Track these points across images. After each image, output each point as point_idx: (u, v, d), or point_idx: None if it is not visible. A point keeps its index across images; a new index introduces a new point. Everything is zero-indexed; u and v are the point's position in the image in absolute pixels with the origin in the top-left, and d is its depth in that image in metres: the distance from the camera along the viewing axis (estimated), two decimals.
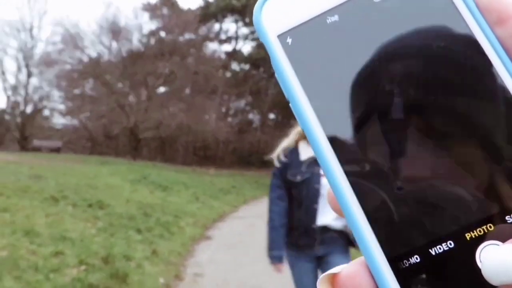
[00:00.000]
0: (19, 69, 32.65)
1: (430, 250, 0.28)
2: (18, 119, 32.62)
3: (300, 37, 0.33)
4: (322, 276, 0.31)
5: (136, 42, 33.08)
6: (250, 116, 36.97)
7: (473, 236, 0.28)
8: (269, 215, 2.93)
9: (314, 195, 2.81)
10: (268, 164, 3.00)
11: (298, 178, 2.83)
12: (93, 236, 6.35)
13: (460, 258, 0.28)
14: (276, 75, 0.34)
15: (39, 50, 45.16)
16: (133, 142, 28.77)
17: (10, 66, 63.23)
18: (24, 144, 30.98)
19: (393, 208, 0.30)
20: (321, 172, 2.69)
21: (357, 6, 0.33)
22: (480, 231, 0.28)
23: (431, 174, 0.30)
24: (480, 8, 0.31)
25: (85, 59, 32.01)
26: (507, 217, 0.28)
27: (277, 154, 2.92)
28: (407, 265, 0.28)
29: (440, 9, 0.32)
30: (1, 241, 5.17)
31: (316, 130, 0.32)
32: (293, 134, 2.92)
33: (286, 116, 28.11)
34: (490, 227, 0.28)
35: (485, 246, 0.27)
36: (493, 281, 0.26)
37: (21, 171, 10.56)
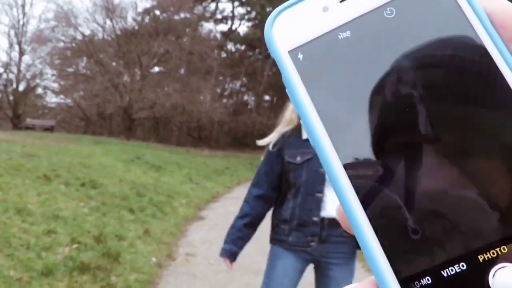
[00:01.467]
0: (11, 46, 32.28)
1: (442, 271, 0.28)
2: (11, 97, 32.32)
3: (311, 53, 0.33)
4: None
5: (130, 20, 32.69)
6: (245, 97, 36.88)
7: (486, 259, 0.27)
8: (243, 209, 2.60)
9: (316, 181, 2.39)
10: (263, 146, 2.68)
11: (298, 159, 2.41)
12: (85, 215, 6.35)
13: (472, 280, 0.27)
14: (287, 90, 0.34)
15: (31, 27, 44.56)
16: (127, 122, 28.63)
17: (2, 43, 62.41)
18: (16, 123, 30.77)
19: (405, 228, 0.29)
20: None
21: (369, 21, 0.33)
22: (493, 253, 0.27)
23: (445, 195, 0.29)
24: (495, 25, 0.31)
25: (79, 37, 31.62)
26: None
27: (273, 139, 2.53)
28: (418, 286, 0.28)
29: (454, 25, 0.31)
30: None
31: (327, 148, 0.31)
32: (290, 112, 2.52)
33: (281, 97, 28.04)
34: (504, 249, 0.27)
35: (498, 269, 0.27)
36: None
37: (13, 149, 10.48)
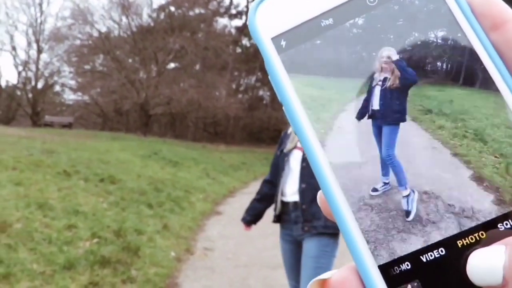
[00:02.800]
0: (29, 44, 32.71)
1: (421, 257, 0.29)
2: (30, 95, 32.82)
3: (294, 40, 0.33)
4: (312, 282, 0.31)
5: (146, 17, 32.87)
6: (261, 92, 36.81)
7: (465, 244, 0.28)
8: (258, 190, 3.28)
9: (283, 167, 2.90)
10: (278, 140, 3.16)
11: (278, 151, 3.01)
12: (105, 210, 6.44)
13: (451, 265, 0.28)
14: (269, 77, 0.34)
15: (49, 25, 45.12)
16: (144, 118, 28.85)
17: (21, 41, 63.37)
18: (36, 120, 31.26)
19: (379, 209, 0.30)
20: (299, 144, 2.77)
21: (352, 9, 0.33)
22: (472, 239, 0.28)
23: (424, 180, 0.30)
24: (475, 13, 0.31)
25: (95, 34, 31.92)
26: (499, 225, 0.28)
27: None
28: (398, 271, 0.29)
29: (435, 13, 0.32)
30: (15, 213, 5.26)
31: (308, 133, 0.32)
32: None
33: None
34: (482, 234, 0.28)
35: (475, 250, 0.27)
36: (478, 283, 0.26)
37: (33, 146, 10.67)
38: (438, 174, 0.30)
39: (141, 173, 9.96)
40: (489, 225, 0.28)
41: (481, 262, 0.26)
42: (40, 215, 5.47)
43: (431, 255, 0.28)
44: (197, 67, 33.20)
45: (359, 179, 0.31)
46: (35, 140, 12.38)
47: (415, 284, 0.28)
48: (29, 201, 5.80)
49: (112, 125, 34.08)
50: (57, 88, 36.49)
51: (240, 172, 15.08)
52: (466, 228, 0.28)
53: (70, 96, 37.49)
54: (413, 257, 0.29)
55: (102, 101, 32.37)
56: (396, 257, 0.29)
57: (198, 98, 27.93)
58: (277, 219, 3.02)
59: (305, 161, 2.75)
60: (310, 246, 2.78)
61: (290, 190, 2.86)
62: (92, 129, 30.32)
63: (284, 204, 2.93)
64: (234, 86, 35.15)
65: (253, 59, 33.54)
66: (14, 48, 34.14)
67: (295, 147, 2.84)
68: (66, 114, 35.01)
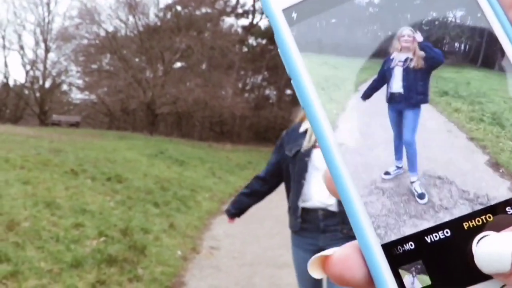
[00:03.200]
0: (37, 43, 32.91)
1: (426, 237, 0.28)
2: (37, 94, 33.03)
3: (305, 12, 0.32)
4: (314, 257, 0.30)
5: (152, 16, 32.95)
6: (267, 91, 36.80)
7: (471, 226, 0.27)
8: (249, 184, 3.18)
9: (302, 170, 2.56)
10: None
11: (293, 151, 2.62)
12: (111, 209, 6.47)
13: (456, 247, 0.27)
14: (279, 49, 0.33)
15: (56, 24, 45.36)
16: (150, 117, 28.95)
17: (28, 40, 63.77)
18: (43, 119, 31.45)
19: (390, 193, 0.29)
20: (315, 143, 2.53)
21: None
22: (478, 221, 0.27)
23: (438, 164, 0.29)
24: None
25: (102, 33, 32.06)
26: (507, 208, 0.27)
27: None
28: (401, 251, 0.28)
29: None
30: (23, 212, 5.30)
31: (316, 107, 0.31)
32: (300, 111, 2.74)
33: None
34: (490, 217, 0.27)
35: (482, 237, 0.27)
36: (485, 269, 0.25)
37: (41, 145, 10.74)
38: (453, 159, 0.29)
39: (147, 172, 10.00)
40: (497, 208, 0.27)
41: (490, 249, 0.25)
42: (48, 214, 5.51)
43: (435, 236, 0.28)
44: (204, 66, 33.24)
45: (370, 162, 0.30)
46: (42, 139, 12.47)
47: (419, 265, 0.28)
48: (37, 200, 5.85)
49: (119, 124, 34.22)
50: (65, 87, 36.72)
51: (246, 171, 15.09)
52: (472, 210, 0.28)
53: (77, 96, 37.70)
54: (418, 237, 0.28)
55: (109, 100, 32.51)
56: (400, 237, 0.28)
57: (204, 98, 27.97)
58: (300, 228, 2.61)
59: None
60: None
61: (319, 194, 2.48)
62: (99, 128, 30.46)
63: (308, 211, 2.54)
64: (240, 85, 35.16)
65: (260, 58, 33.53)
66: (22, 48, 34.38)
67: (313, 146, 2.53)
68: (73, 113, 35.20)
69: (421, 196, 0.29)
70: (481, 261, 0.26)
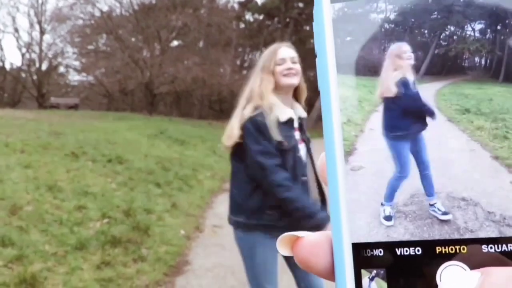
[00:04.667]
0: (31, 26, 32.57)
1: (396, 248, 0.28)
2: (34, 77, 32.82)
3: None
4: (285, 235, 0.31)
5: None
6: None
7: (443, 251, 0.27)
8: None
9: (303, 166, 2.29)
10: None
11: (285, 144, 2.25)
12: (113, 190, 6.49)
13: (422, 267, 0.28)
14: (314, 24, 0.32)
15: (50, 5, 44.72)
16: (149, 97, 28.82)
17: (23, 23, 62.97)
18: (41, 102, 31.34)
19: (359, 199, 0.29)
20: (296, 136, 2.29)
21: None
22: (451, 249, 0.27)
23: (462, 185, 0.28)
24: None
25: (97, 13, 31.66)
26: (483, 246, 0.27)
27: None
28: (369, 254, 0.29)
29: (472, 5, 0.29)
30: (26, 196, 5.32)
31: (332, 93, 0.30)
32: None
33: (302, 66, 27.61)
34: (463, 249, 0.27)
35: (450, 265, 0.27)
36: None
37: (41, 128, 10.71)
38: (477, 179, 0.28)
39: (148, 152, 10.00)
40: (474, 242, 0.27)
41: (453, 282, 0.26)
42: (50, 197, 5.52)
43: (406, 251, 0.28)
44: (201, 44, 32.93)
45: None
46: (42, 123, 12.43)
47: (381, 272, 0.28)
48: (39, 183, 5.86)
49: (117, 105, 34.10)
50: (62, 69, 36.47)
51: None
52: (449, 237, 0.27)
53: (74, 77, 37.51)
54: (390, 246, 0.28)
55: (107, 82, 32.33)
56: (372, 241, 0.29)
57: (202, 76, 27.80)
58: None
59: (309, 155, 2.33)
60: None
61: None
62: (98, 110, 30.37)
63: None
64: (238, 62, 34.89)
65: (257, 34, 33.17)
66: (16, 30, 34.06)
67: (303, 140, 2.32)
68: (71, 96, 35.05)
69: (446, 213, 0.29)
70: None
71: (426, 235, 0.28)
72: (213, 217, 6.37)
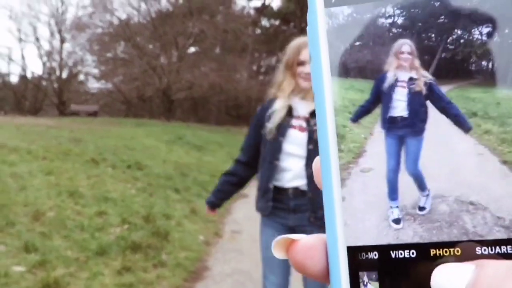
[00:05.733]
0: (52, 34, 33.15)
1: (391, 252, 0.28)
2: (55, 85, 33.41)
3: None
4: (280, 237, 0.31)
5: (164, 1, 32.80)
6: None
7: (437, 254, 0.27)
8: (233, 170, 2.82)
9: (275, 149, 2.39)
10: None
11: (265, 130, 2.45)
12: (133, 196, 6.55)
13: (417, 269, 0.28)
14: (308, 28, 0.32)
15: (70, 15, 45.58)
16: (166, 103, 29.07)
17: (44, 32, 64.28)
18: (62, 109, 31.86)
19: (369, 201, 0.29)
20: (292, 123, 2.36)
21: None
22: (446, 251, 0.27)
23: (470, 189, 0.28)
24: None
25: (115, 21, 32.13)
26: (477, 248, 0.27)
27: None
28: (364, 257, 0.29)
29: (480, 7, 0.29)
30: (48, 202, 5.41)
31: (326, 95, 0.30)
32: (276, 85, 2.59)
33: None
34: (458, 251, 0.27)
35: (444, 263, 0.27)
36: None
37: (61, 135, 10.89)
38: (486, 184, 0.27)
39: (166, 158, 10.08)
40: (468, 245, 0.27)
41: (445, 277, 0.25)
42: (72, 203, 5.61)
43: (400, 253, 0.28)
44: (217, 50, 33.10)
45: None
46: (62, 130, 12.64)
47: (373, 275, 0.28)
48: (60, 189, 5.95)
49: (136, 111, 34.45)
50: (81, 77, 37.04)
51: None
52: (443, 239, 0.27)
53: (94, 85, 38.01)
54: (384, 249, 0.28)
55: (125, 88, 32.71)
56: (367, 244, 0.29)
57: (219, 82, 27.93)
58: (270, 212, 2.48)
59: (312, 143, 2.29)
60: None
61: (291, 174, 2.38)
62: (117, 116, 30.72)
63: (279, 190, 2.41)
64: (254, 67, 34.96)
65: (273, 39, 33.18)
66: (37, 39, 34.64)
67: (288, 124, 2.37)
68: (91, 103, 35.55)
69: (423, 208, 0.29)
70: (436, 285, 0.26)
71: (435, 239, 0.28)
72: (232, 223, 6.38)
